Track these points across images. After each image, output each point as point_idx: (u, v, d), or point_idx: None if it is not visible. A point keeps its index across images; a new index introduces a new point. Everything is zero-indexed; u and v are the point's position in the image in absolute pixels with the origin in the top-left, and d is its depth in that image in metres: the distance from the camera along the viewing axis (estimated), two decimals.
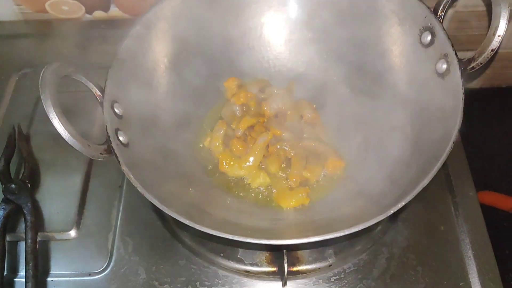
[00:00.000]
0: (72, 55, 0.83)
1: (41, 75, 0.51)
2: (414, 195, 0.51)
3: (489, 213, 0.94)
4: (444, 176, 0.69)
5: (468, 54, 0.58)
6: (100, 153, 0.55)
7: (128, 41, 0.64)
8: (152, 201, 0.52)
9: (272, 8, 0.72)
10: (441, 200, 0.67)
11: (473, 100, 1.04)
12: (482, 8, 0.80)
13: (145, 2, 0.80)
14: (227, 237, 0.50)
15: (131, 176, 0.53)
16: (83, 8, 0.86)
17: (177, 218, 0.51)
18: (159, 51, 0.68)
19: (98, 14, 0.87)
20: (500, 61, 0.98)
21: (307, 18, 0.72)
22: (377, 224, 0.64)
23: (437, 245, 0.64)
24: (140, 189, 0.53)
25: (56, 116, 0.50)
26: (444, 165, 0.70)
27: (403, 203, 0.50)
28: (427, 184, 0.68)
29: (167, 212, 0.51)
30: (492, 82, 1.03)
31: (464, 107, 0.55)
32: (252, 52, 0.74)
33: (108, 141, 0.56)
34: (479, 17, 0.81)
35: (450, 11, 0.81)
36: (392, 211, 0.50)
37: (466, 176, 0.69)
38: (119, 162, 0.54)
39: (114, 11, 0.87)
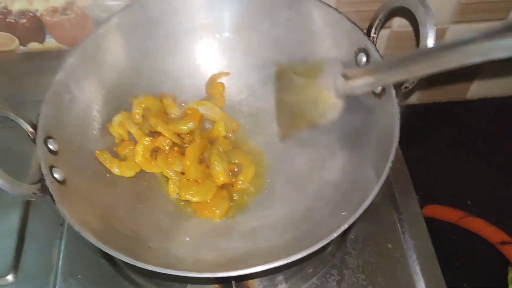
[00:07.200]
0: (5, 90, 0.80)
1: None
2: (348, 225, 0.50)
3: (437, 227, 0.96)
4: (389, 194, 0.70)
5: None
6: (34, 193, 0.52)
7: (62, 73, 0.62)
8: (89, 239, 0.50)
9: (209, 36, 0.72)
10: (388, 218, 0.68)
11: (413, 116, 1.08)
12: None
13: (83, 31, 0.78)
14: (171, 273, 0.48)
15: (67, 214, 0.51)
16: (16, 40, 0.83)
17: (115, 256, 0.49)
18: (97, 82, 0.66)
19: (33, 45, 0.84)
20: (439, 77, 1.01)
21: (243, 45, 0.72)
22: (325, 247, 0.64)
23: (386, 263, 0.64)
24: (76, 227, 0.50)
25: None
26: (388, 183, 0.71)
27: (335, 235, 0.49)
28: (374, 204, 0.69)
29: (105, 250, 0.49)
30: (430, 97, 1.07)
31: (403, 124, 0.56)
32: (192, 80, 0.73)
33: (42, 179, 0.53)
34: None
35: (387, 31, 0.83)
36: (324, 243, 0.48)
37: (410, 192, 0.70)
38: (54, 201, 0.52)
39: (50, 42, 0.84)
